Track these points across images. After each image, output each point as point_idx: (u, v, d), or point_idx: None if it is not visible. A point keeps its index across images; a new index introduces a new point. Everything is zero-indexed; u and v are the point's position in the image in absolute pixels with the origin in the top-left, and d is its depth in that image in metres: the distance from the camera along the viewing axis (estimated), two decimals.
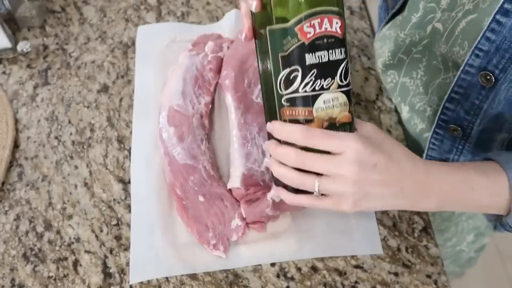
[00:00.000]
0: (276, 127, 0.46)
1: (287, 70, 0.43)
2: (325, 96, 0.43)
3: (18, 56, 0.79)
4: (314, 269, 0.62)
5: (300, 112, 0.44)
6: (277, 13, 0.43)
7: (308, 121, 0.44)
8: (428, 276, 0.62)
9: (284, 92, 0.44)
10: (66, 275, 0.61)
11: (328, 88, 0.43)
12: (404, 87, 0.66)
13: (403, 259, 0.63)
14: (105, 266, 0.62)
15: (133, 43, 0.81)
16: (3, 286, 0.60)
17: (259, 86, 0.72)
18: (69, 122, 0.73)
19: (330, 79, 0.43)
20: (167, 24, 0.84)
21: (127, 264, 0.62)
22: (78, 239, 0.64)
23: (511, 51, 0.47)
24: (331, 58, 0.43)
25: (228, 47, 0.74)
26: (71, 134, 0.72)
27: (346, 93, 0.45)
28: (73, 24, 0.84)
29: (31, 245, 0.63)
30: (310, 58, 0.42)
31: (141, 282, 0.60)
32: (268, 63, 0.45)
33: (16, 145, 0.71)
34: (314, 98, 0.43)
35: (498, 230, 0.57)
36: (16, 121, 0.73)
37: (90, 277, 0.61)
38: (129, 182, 0.67)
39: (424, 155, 0.65)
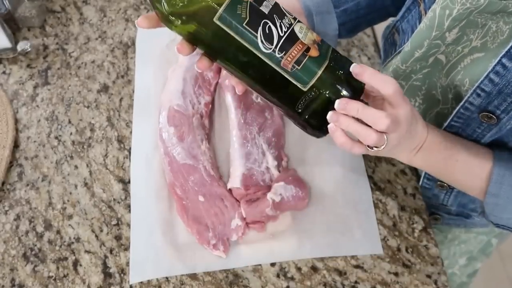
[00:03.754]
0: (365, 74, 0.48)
1: (260, 29, 0.45)
2: (296, 27, 0.47)
3: (18, 56, 0.79)
4: (314, 269, 0.62)
5: (297, 48, 0.46)
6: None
7: (307, 51, 0.47)
8: (428, 276, 0.62)
9: (273, 45, 0.46)
10: (66, 275, 0.61)
11: (291, 23, 0.47)
12: None
13: (403, 259, 0.63)
14: (105, 266, 0.62)
15: (133, 43, 0.81)
16: (3, 286, 0.60)
17: None
18: (69, 122, 0.73)
19: (285, 16, 0.47)
20: None
21: (127, 264, 0.62)
22: (78, 239, 0.64)
23: None
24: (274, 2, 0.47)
25: None
26: (71, 134, 0.72)
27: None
28: (73, 24, 0.84)
29: (31, 245, 0.63)
30: (264, 7, 0.46)
31: (141, 282, 0.60)
32: (241, 43, 0.46)
33: (16, 145, 0.71)
34: (293, 32, 0.46)
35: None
36: (16, 121, 0.73)
37: (90, 277, 0.61)
38: (129, 182, 0.67)
39: (421, 179, 0.66)
